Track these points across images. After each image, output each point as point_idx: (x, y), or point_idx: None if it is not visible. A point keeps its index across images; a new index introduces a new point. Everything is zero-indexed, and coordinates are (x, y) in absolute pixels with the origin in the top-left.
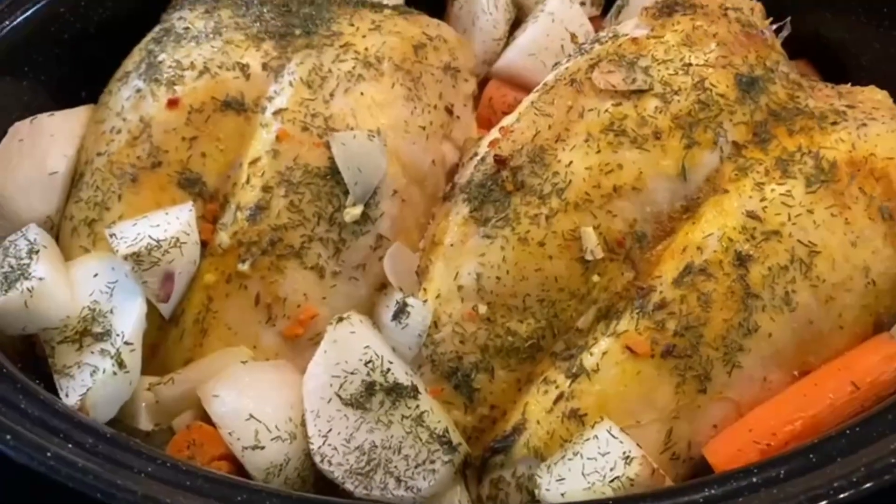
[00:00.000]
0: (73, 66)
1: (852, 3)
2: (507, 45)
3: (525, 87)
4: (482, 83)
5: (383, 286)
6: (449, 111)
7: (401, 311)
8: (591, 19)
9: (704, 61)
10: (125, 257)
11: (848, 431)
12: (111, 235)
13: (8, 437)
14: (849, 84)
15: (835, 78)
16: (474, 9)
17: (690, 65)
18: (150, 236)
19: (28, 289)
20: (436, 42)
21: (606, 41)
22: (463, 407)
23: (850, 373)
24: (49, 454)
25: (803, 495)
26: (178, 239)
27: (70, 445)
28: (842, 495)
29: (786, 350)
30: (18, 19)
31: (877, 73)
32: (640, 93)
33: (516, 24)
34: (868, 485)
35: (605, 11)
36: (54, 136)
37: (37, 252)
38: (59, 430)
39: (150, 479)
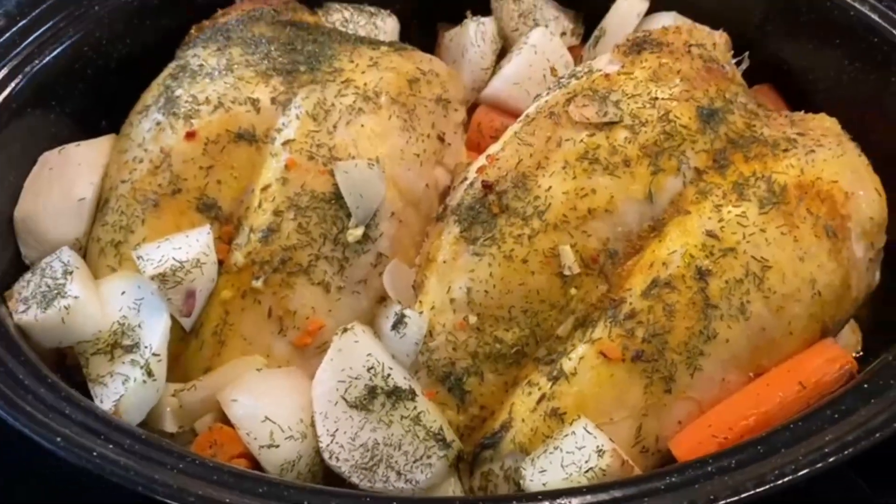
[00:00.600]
0: (94, 98)
1: (811, 35)
2: (493, 73)
3: (511, 113)
4: (471, 108)
5: (383, 299)
6: (441, 139)
7: (399, 322)
8: (571, 49)
9: (669, 95)
10: (152, 277)
11: (791, 426)
12: (138, 258)
13: (59, 439)
14: (802, 112)
15: (795, 100)
16: (463, 41)
17: (657, 98)
18: (173, 258)
19: (65, 307)
20: (428, 76)
21: (582, 76)
22: (456, 407)
23: (797, 374)
24: (95, 454)
25: (750, 482)
26: (198, 260)
27: (111, 446)
28: (783, 480)
29: (741, 354)
30: (47, 58)
31: (832, 97)
32: (611, 124)
33: (502, 53)
34: (805, 471)
35: (584, 39)
36: (81, 165)
37: (71, 273)
38: (100, 432)
39: (182, 474)
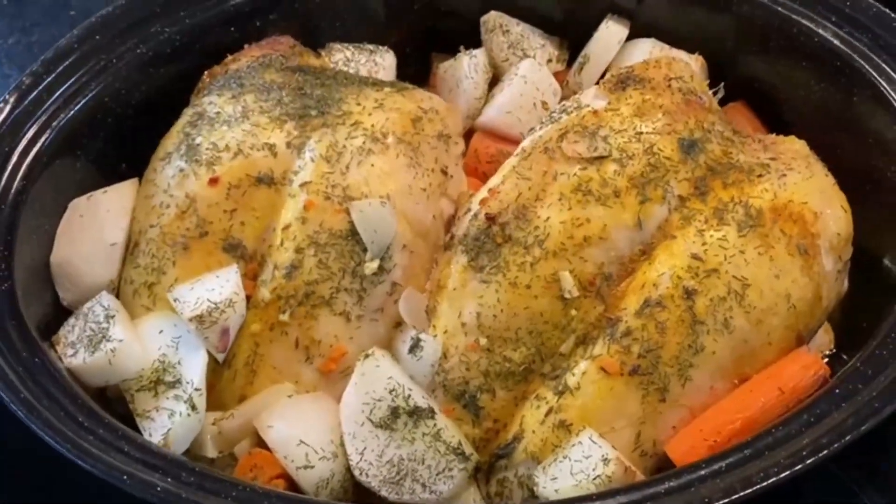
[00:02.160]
0: (114, 143)
1: (780, 58)
2: (486, 101)
3: (505, 139)
4: (467, 134)
5: (399, 324)
6: (444, 172)
7: (415, 346)
8: (557, 74)
9: (653, 129)
10: (190, 319)
11: (773, 431)
12: (175, 300)
13: (125, 477)
14: (773, 135)
15: (767, 115)
16: (458, 73)
17: (641, 133)
18: (208, 299)
19: (111, 350)
20: (430, 114)
21: (572, 111)
22: (471, 422)
23: (776, 380)
24: (159, 488)
25: (738, 483)
26: (230, 300)
27: (169, 479)
28: (768, 482)
29: (727, 364)
30: (72, 112)
31: (801, 114)
32: (601, 158)
33: (493, 81)
34: (787, 473)
35: (569, 62)
36: (110, 211)
37: (112, 317)
38: (158, 467)
39: (236, 501)
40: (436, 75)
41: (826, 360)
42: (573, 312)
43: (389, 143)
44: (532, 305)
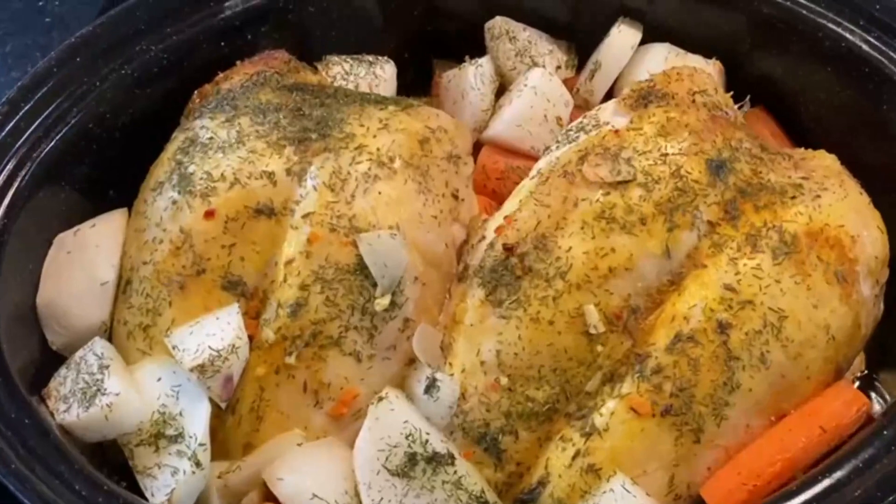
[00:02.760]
0: (101, 170)
1: (802, 62)
2: (493, 112)
3: (514, 153)
4: (473, 148)
5: (412, 361)
6: (455, 196)
7: (431, 386)
8: (566, 81)
9: (679, 150)
10: (191, 369)
11: (819, 478)
12: (174, 348)
13: None
14: (802, 149)
15: (787, 121)
16: (463, 84)
17: (667, 154)
18: (209, 346)
19: (107, 404)
20: (437, 134)
21: (591, 130)
22: (493, 466)
23: (817, 418)
24: None
25: None
26: (233, 345)
27: None
28: None
29: (763, 401)
30: (54, 141)
31: (824, 120)
32: (625, 183)
33: (500, 89)
34: None
35: (578, 67)
36: (99, 246)
37: (107, 367)
38: None
39: None
40: (439, 84)
41: (858, 382)
42: (599, 348)
43: (397, 168)
44: (555, 342)
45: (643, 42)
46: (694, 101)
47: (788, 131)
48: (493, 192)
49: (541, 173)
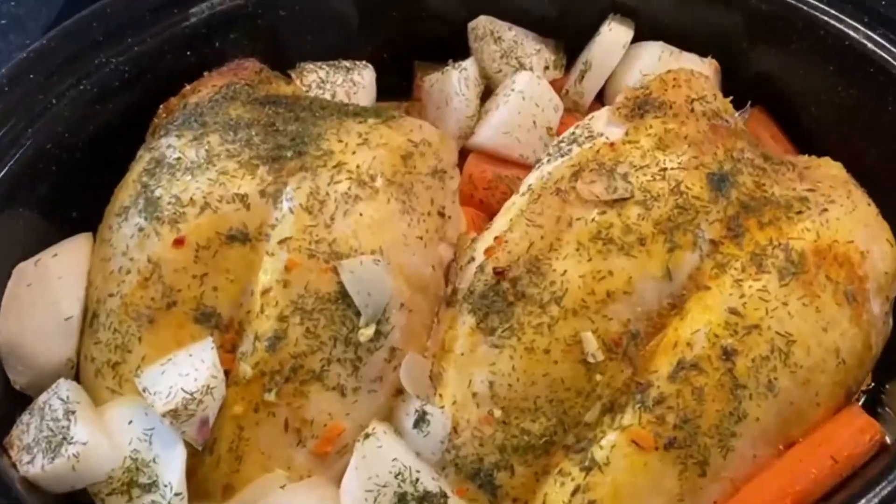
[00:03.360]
0: (63, 192)
1: (803, 60)
2: (479, 117)
3: (502, 161)
4: (459, 154)
5: (400, 392)
6: (441, 214)
7: (421, 420)
8: (554, 82)
9: (678, 164)
10: (163, 415)
11: None
12: (144, 390)
13: None
14: (806, 156)
15: (786, 122)
16: (447, 90)
17: (666, 169)
18: (182, 389)
19: (74, 454)
20: (421, 147)
21: (584, 141)
22: (488, 503)
23: (828, 447)
24: None
25: None
26: (208, 385)
27: None
28: None
29: (771, 429)
30: (9, 165)
31: (825, 120)
32: (622, 201)
33: (486, 92)
34: None
35: (567, 67)
36: (62, 278)
37: (73, 412)
38: None
39: None
40: (420, 88)
41: (864, 396)
42: (598, 377)
43: (378, 187)
44: (551, 372)
45: (635, 40)
46: (693, 109)
47: (789, 133)
48: (481, 203)
49: (532, 190)
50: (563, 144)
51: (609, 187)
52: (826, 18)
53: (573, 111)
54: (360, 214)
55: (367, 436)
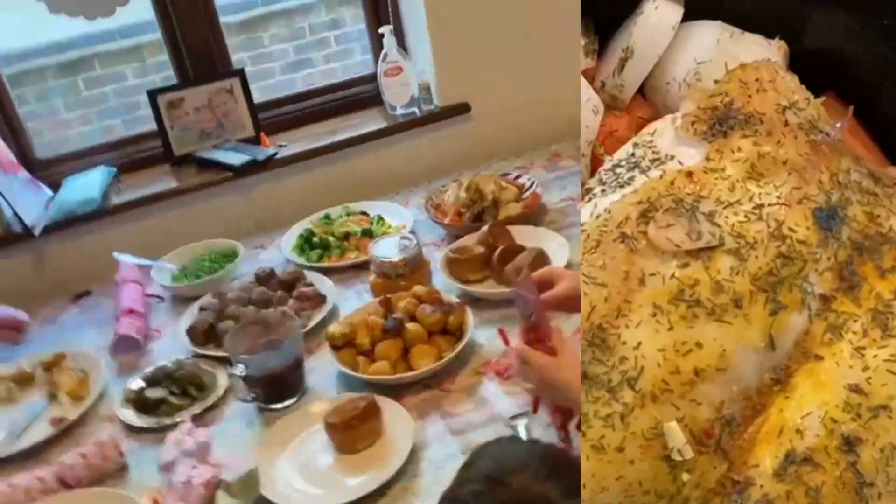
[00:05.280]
0: None
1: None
2: None
3: None
4: None
5: None
6: None
7: None
8: (586, 71)
9: (777, 199)
10: None
11: None
12: None
13: None
14: None
15: (864, 113)
16: None
17: (762, 206)
18: None
19: None
20: None
21: (649, 167)
22: None
23: None
24: None
25: None
26: None
27: None
28: None
29: None
30: None
31: None
32: (709, 250)
33: None
34: None
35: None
36: None
37: None
38: None
39: None
40: None
41: None
42: (685, 477)
43: None
44: (626, 474)
45: (685, 19)
46: (787, 122)
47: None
48: None
49: (587, 234)
50: (620, 170)
51: (692, 232)
52: None
53: (612, 108)
54: None
55: None
